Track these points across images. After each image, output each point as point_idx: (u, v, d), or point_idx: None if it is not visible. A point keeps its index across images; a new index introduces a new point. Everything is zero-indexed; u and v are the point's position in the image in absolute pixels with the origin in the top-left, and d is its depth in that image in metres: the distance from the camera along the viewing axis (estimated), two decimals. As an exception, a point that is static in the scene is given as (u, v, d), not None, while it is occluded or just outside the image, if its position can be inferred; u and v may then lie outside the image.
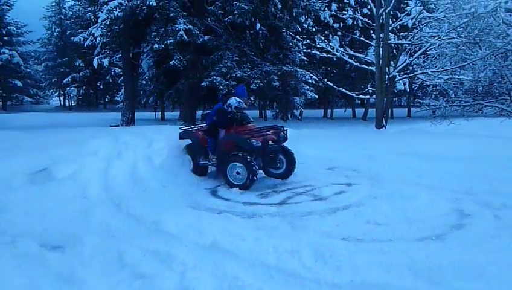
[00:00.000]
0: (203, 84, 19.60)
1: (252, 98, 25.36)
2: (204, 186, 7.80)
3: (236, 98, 8.17)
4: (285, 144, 8.31)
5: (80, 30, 33.48)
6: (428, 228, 5.19)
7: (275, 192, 7.20)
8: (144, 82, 24.28)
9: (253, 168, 7.29)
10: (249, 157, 7.41)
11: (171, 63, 19.00)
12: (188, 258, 4.24)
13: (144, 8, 17.87)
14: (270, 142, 7.91)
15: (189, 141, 8.99)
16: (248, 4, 19.06)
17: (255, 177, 7.34)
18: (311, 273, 3.99)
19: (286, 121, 23.10)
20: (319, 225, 5.38)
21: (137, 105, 25.23)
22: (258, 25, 19.99)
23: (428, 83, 21.76)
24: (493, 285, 3.71)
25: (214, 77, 19.17)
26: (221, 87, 18.94)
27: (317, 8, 24.08)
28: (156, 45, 18.40)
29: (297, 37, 22.85)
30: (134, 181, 7.61)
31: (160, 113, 35.90)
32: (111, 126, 18.79)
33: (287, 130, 8.38)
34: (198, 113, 23.31)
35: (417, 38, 18.87)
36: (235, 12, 19.09)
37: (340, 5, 29.94)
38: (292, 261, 4.20)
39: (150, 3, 17.56)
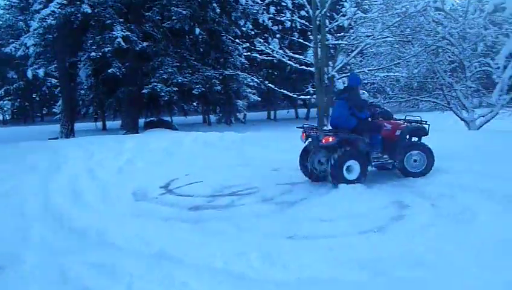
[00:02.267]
0: (144, 91, 19.29)
1: (194, 104, 25.22)
2: (151, 194, 7.68)
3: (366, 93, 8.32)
4: None
5: (10, 40, 32.08)
6: (370, 221, 5.35)
7: (221, 196, 7.19)
8: (83, 92, 23.55)
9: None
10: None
11: (109, 71, 18.55)
12: (134, 268, 4.16)
13: (78, 15, 17.40)
14: None
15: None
16: (186, 9, 18.96)
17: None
18: (259, 274, 4.03)
19: (230, 125, 23.14)
20: (265, 225, 5.44)
21: (77, 116, 24.44)
22: (198, 30, 19.93)
23: (366, 81, 22.39)
24: (432, 271, 3.89)
25: (155, 84, 18.91)
26: (162, 94, 18.73)
27: (255, 11, 24.29)
28: (93, 53, 17.94)
29: (237, 40, 22.89)
30: (76, 194, 7.40)
31: (101, 123, 35.02)
32: (50, 139, 18.15)
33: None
34: (141, 121, 22.94)
35: (353, 38, 19.40)
36: (174, 17, 18.94)
37: (278, 7, 30.28)
38: (240, 264, 4.21)
39: (85, 10, 17.13)
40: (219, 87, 20.27)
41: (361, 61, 22.18)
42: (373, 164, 7.56)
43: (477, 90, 22.19)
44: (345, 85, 8.51)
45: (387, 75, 20.25)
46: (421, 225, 5.10)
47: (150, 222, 5.82)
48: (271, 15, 26.86)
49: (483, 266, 3.91)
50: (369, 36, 18.70)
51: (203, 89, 19.81)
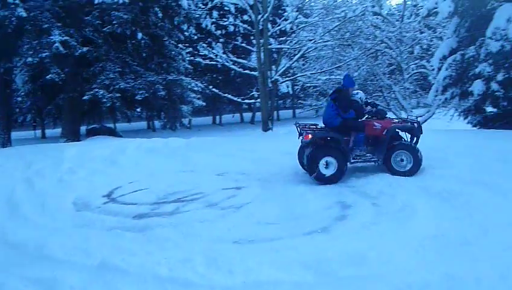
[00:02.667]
0: (85, 98, 18.71)
1: (138, 110, 24.77)
2: (93, 203, 7.45)
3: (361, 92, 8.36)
4: None
5: None
6: (314, 222, 5.45)
7: (166, 202, 7.09)
8: (20, 99, 22.60)
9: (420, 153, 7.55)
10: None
11: (48, 77, 17.84)
12: (75, 281, 4.04)
13: (13, 19, 16.65)
14: None
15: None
16: (127, 13, 18.57)
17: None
18: (204, 279, 4.01)
19: (175, 131, 22.87)
20: (211, 231, 5.42)
21: (14, 124, 23.43)
22: (140, 35, 19.57)
23: (309, 85, 22.83)
24: (374, 268, 4.00)
25: (96, 90, 18.37)
26: (104, 100, 18.23)
27: (198, 16, 24.17)
28: (30, 59, 17.22)
29: (180, 45, 22.74)
30: (12, 206, 7.08)
31: (40, 131, 33.71)
32: (-17, 149, 17.27)
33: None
34: (82, 128, 22.27)
35: (295, 43, 19.69)
36: (114, 22, 18.51)
37: (221, 12, 30.27)
38: (185, 271, 4.18)
39: (20, 14, 16.42)
40: (163, 93, 19.97)
41: (304, 64, 22.57)
42: (352, 161, 7.89)
43: (415, 91, 23.13)
44: (339, 86, 8.73)
45: (329, 78, 20.70)
46: (363, 223, 5.25)
47: (92, 232, 5.65)
48: (214, 20, 26.85)
49: (423, 260, 4.08)
50: (311, 40, 19.05)
51: (147, 95, 19.45)
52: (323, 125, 8.12)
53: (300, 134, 7.99)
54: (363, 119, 8.11)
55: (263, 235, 5.11)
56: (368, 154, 8.02)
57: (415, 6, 25.83)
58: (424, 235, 4.65)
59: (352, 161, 7.90)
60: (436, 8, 15.02)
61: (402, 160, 7.66)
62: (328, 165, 7.46)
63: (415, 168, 7.55)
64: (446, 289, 3.51)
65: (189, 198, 7.22)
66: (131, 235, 5.40)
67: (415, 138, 7.95)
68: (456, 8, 13.68)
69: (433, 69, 16.03)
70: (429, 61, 19.64)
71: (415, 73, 23.04)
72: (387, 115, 8.54)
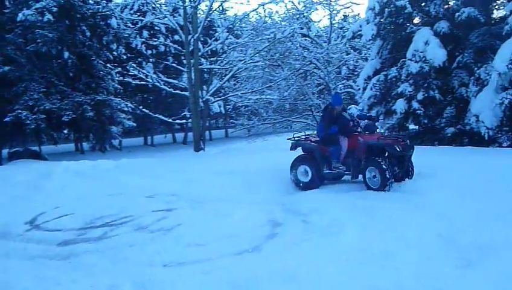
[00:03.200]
0: (6, 119, 17.83)
1: (65, 131, 23.89)
2: (15, 231, 7.03)
3: (356, 107, 8.99)
4: None
5: None
6: (245, 241, 5.45)
7: (93, 227, 6.84)
8: None
9: (389, 172, 7.49)
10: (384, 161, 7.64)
11: (-36, 97, 16.95)
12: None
13: None
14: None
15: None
16: (52, 32, 18.03)
17: (392, 180, 7.58)
18: (132, 306, 3.89)
19: (104, 152, 22.24)
20: (140, 255, 5.28)
21: None
22: (66, 54, 19.04)
23: (240, 104, 23.02)
24: (304, 285, 4.06)
25: (19, 111, 17.58)
26: (28, 121, 17.47)
27: (127, 35, 23.86)
28: None
29: (109, 65, 22.28)
30: None
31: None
32: None
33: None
34: (4, 152, 21.13)
35: (226, 63, 19.86)
36: (39, 40, 17.90)
37: (152, 32, 30.09)
38: (112, 297, 4.04)
39: None
40: (91, 113, 19.43)
41: (235, 84, 22.78)
42: (325, 171, 8.36)
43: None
44: (328, 104, 9.12)
45: (260, 98, 21.01)
46: (293, 241, 5.31)
47: (13, 262, 5.33)
48: (144, 39, 26.61)
49: (351, 275, 4.18)
50: (241, 60, 19.28)
51: (74, 116, 18.85)
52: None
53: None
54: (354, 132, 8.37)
55: (193, 257, 5.05)
56: (341, 167, 8.32)
57: (341, 28, 26.91)
58: (351, 249, 4.78)
59: (328, 171, 8.35)
60: (360, 30, 15.77)
61: (375, 176, 7.65)
62: (304, 173, 8.45)
63: (381, 185, 7.52)
64: (371, 302, 3.62)
65: (118, 222, 7.00)
66: (55, 264, 5.16)
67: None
68: (378, 31, 14.41)
69: (359, 89, 16.71)
70: (355, 81, 20.47)
71: (343, 92, 23.92)
72: (377, 130, 8.98)
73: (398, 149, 7.73)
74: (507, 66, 10.07)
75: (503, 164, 8.44)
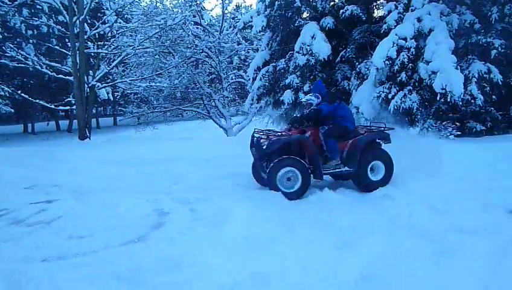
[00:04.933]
0: None
1: None
2: None
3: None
4: None
5: None
6: (131, 231, 5.31)
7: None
8: None
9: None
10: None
11: None
12: None
13: None
14: None
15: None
16: None
17: None
18: (4, 305, 3.62)
19: (-23, 140, 20.40)
20: (15, 250, 4.90)
21: None
22: None
23: (129, 91, 22.35)
24: (188, 273, 4.05)
25: None
26: None
27: (3, 12, 21.95)
28: None
29: (-17, 44, 20.40)
30: None
31: None
32: None
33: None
34: None
35: (114, 48, 19.12)
36: None
37: (33, 10, 27.93)
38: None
39: None
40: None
41: (124, 70, 22.00)
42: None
43: (234, 99, 24.23)
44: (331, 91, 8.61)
45: (150, 85, 20.55)
46: (180, 229, 5.27)
47: None
48: (23, 18, 24.64)
49: (234, 261, 4.25)
50: (131, 46, 18.68)
51: None
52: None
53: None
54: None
55: (75, 250, 4.80)
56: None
57: (233, 18, 27.10)
58: (236, 236, 4.86)
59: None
60: (251, 21, 15.94)
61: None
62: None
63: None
64: (254, 287, 3.70)
65: (-10, 215, 6.47)
66: None
67: None
68: (268, 23, 14.68)
69: (249, 79, 16.95)
70: (246, 72, 20.76)
71: (234, 82, 24.19)
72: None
73: None
74: (384, 62, 10.81)
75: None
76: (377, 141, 7.74)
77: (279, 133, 7.66)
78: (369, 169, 7.36)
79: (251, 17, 16.01)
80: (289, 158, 7.09)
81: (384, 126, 7.99)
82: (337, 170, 7.40)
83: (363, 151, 7.36)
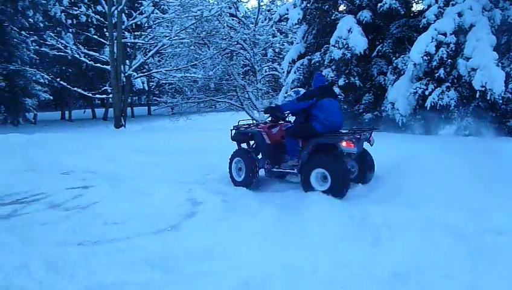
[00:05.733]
0: None
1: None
2: None
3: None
4: None
5: None
6: (164, 220, 5.39)
7: (2, 205, 6.45)
8: None
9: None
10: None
11: None
12: None
13: None
14: None
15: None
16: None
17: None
18: (43, 286, 3.73)
19: (17, 126, 21.02)
20: (53, 234, 5.06)
21: None
22: (-26, 18, 17.68)
23: (164, 82, 22.59)
24: (220, 263, 4.08)
25: None
26: None
27: (45, 1, 22.51)
28: None
29: (24, 32, 20.94)
30: None
31: None
32: None
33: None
34: None
35: (151, 38, 19.35)
36: None
37: (73, 0, 28.56)
38: (20, 278, 3.84)
39: None
40: (3, 84, 18.25)
41: (159, 61, 22.26)
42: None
43: (267, 92, 24.18)
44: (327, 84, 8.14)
45: (184, 76, 20.71)
46: (212, 219, 5.33)
47: None
48: (64, 7, 25.20)
49: (266, 253, 4.26)
50: (167, 36, 18.86)
51: (-17, 85, 17.63)
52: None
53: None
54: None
55: (110, 235, 4.91)
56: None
57: (269, 11, 26.99)
58: (268, 228, 4.87)
59: None
60: (287, 14, 15.85)
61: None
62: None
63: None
64: (286, 279, 3.70)
65: (29, 199, 6.66)
66: (-42, 242, 4.82)
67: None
68: (304, 15, 14.58)
69: (283, 72, 16.89)
70: (280, 64, 20.68)
71: (268, 75, 24.12)
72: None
73: None
74: (422, 57, 10.59)
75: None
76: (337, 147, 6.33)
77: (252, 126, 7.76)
78: (312, 176, 6.43)
79: (287, 10, 15.91)
80: (240, 150, 7.52)
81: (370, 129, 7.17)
82: (291, 171, 6.93)
83: (310, 157, 6.53)
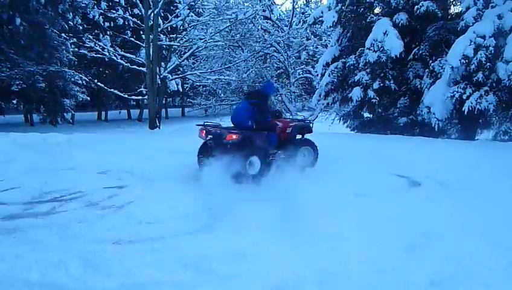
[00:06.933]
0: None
1: (14, 102, 23.01)
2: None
3: None
4: None
5: None
6: (197, 221, 5.44)
7: (41, 202, 6.63)
8: None
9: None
10: None
11: None
12: None
13: None
14: None
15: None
16: (4, -4, 17.22)
17: None
18: (79, 283, 3.82)
19: (56, 126, 21.58)
20: (89, 232, 5.17)
21: None
22: (18, 20, 18.22)
23: (198, 84, 22.83)
24: (253, 265, 4.10)
25: (-36, 77, 16.81)
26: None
27: (84, 5, 23.07)
28: None
29: (64, 35, 21.50)
30: None
31: None
32: None
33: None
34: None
35: (186, 40, 19.59)
36: (-12, 4, 17.07)
37: (110, 3, 29.16)
38: (58, 274, 3.94)
39: None
40: (43, 84, 18.77)
41: (194, 63, 22.54)
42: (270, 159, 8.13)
43: (300, 95, 24.17)
44: (257, 89, 9.14)
45: (218, 78, 20.90)
46: (244, 221, 5.33)
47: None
48: (102, 11, 25.76)
49: (299, 255, 4.25)
50: (202, 39, 19.07)
51: (24, 86, 18.15)
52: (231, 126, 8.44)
53: (209, 134, 8.15)
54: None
55: (144, 235, 4.99)
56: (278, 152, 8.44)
57: (303, 13, 26.97)
58: (301, 230, 4.86)
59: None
60: (321, 17, 15.82)
61: (304, 155, 8.71)
62: (252, 165, 7.82)
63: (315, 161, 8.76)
64: (319, 284, 3.68)
65: (67, 197, 6.82)
66: (-2, 238, 4.98)
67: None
68: (339, 18, 14.53)
69: (317, 75, 16.86)
70: (314, 67, 20.63)
71: (301, 78, 24.09)
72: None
73: None
74: (460, 60, 10.40)
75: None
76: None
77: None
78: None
79: (321, 13, 15.87)
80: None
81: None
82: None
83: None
